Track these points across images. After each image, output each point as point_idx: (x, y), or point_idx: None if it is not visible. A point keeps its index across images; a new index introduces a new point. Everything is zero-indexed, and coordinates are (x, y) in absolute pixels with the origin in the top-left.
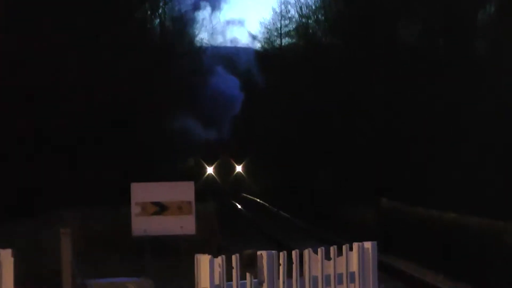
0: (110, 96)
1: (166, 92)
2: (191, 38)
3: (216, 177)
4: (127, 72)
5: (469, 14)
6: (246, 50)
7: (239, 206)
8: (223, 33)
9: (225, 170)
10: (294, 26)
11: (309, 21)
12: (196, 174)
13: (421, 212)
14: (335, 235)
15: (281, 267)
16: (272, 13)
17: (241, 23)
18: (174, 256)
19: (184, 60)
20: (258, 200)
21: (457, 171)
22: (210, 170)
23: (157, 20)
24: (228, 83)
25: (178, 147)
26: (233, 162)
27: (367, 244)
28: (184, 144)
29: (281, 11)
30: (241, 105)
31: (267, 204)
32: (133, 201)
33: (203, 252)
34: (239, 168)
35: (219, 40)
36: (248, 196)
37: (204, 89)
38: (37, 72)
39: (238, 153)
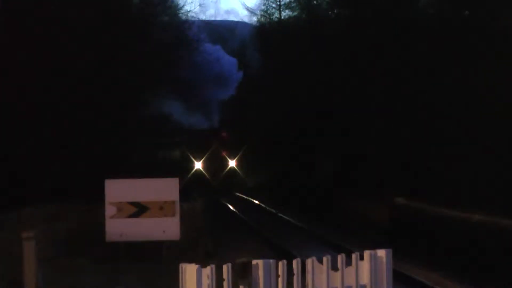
0: (78, 75)
1: (144, 71)
2: (175, 8)
3: (205, 173)
4: (99, 48)
5: None
6: (239, 24)
7: (231, 207)
8: (216, 3)
9: (216, 164)
10: None
11: None
12: (181, 169)
13: (443, 213)
14: (344, 240)
15: (280, 279)
16: None
17: None
18: (155, 262)
19: (166, 34)
20: (254, 200)
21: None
22: (198, 164)
23: None
24: (218, 61)
25: (160, 136)
26: (225, 155)
27: (381, 252)
28: (167, 133)
29: None
30: (234, 88)
31: (263, 205)
32: (107, 201)
33: (188, 258)
34: (232, 163)
35: (210, 11)
36: (242, 195)
37: (191, 68)
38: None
39: (231, 144)
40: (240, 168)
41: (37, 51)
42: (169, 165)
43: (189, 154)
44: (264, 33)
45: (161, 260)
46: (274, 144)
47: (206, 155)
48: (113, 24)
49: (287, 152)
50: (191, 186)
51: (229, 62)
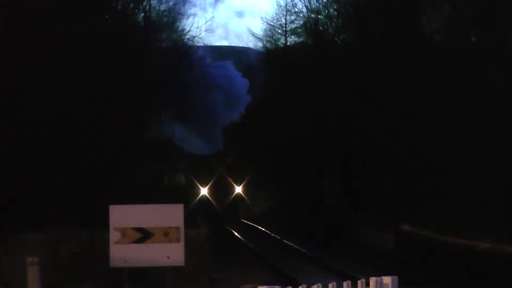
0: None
1: (148, 94)
2: (180, 34)
3: (210, 199)
4: (102, 73)
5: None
6: (248, 50)
7: (236, 234)
8: (224, 27)
9: (222, 190)
10: (301, 22)
11: (319, 16)
12: (186, 195)
13: (451, 241)
14: (349, 266)
15: None
16: (276, 6)
17: (240, 14)
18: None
19: (172, 58)
20: (259, 226)
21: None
22: (204, 190)
23: (141, 14)
24: (229, 80)
25: (165, 161)
26: (231, 180)
27: (387, 279)
28: (172, 157)
29: (286, 5)
30: (242, 111)
31: (268, 232)
32: (111, 226)
33: (193, 284)
34: (238, 189)
35: (218, 34)
36: (248, 222)
37: (197, 90)
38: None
39: (237, 169)
40: (246, 194)
41: (40, 67)
42: (174, 190)
43: (195, 180)
44: (271, 59)
45: (165, 285)
46: (280, 169)
47: (212, 181)
48: (113, 50)
49: (293, 177)
50: (197, 212)
51: (240, 82)
